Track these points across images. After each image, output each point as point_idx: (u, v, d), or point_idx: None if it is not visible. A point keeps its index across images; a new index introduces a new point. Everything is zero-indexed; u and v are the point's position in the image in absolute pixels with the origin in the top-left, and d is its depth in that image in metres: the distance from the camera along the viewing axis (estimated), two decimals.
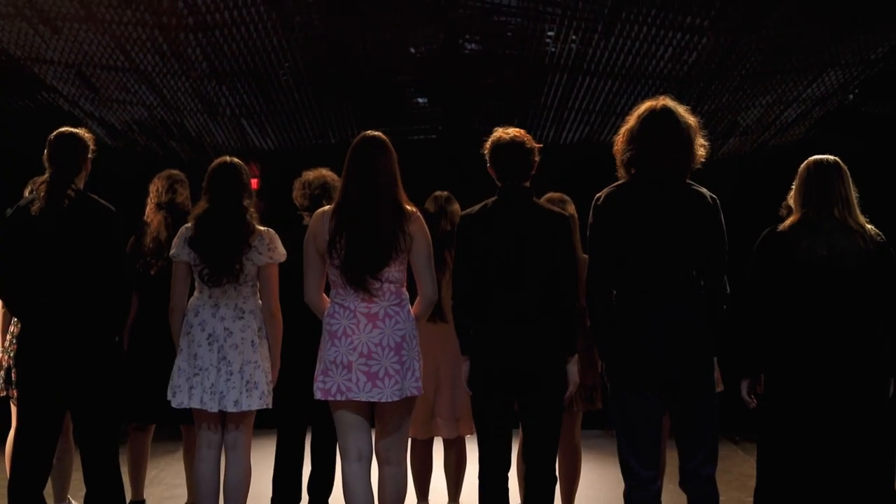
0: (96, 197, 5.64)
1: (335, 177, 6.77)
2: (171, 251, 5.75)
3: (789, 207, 5.54)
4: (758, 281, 5.30)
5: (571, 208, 6.48)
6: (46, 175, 5.63)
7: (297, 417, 6.62)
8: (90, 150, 5.76)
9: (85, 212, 5.53)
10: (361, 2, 9.25)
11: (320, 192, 6.70)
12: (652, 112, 4.94)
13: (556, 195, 6.58)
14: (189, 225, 5.72)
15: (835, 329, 5.11)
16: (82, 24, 9.28)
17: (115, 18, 9.18)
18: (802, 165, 5.40)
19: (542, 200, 5.69)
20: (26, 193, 6.62)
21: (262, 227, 5.74)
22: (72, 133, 5.70)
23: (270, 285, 5.72)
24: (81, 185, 5.67)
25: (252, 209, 5.75)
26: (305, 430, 6.70)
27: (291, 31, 9.60)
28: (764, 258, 5.28)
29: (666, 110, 4.93)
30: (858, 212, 5.28)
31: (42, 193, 5.52)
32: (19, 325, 6.45)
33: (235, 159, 5.87)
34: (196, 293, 5.75)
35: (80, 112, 11.09)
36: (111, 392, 5.63)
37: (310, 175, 6.80)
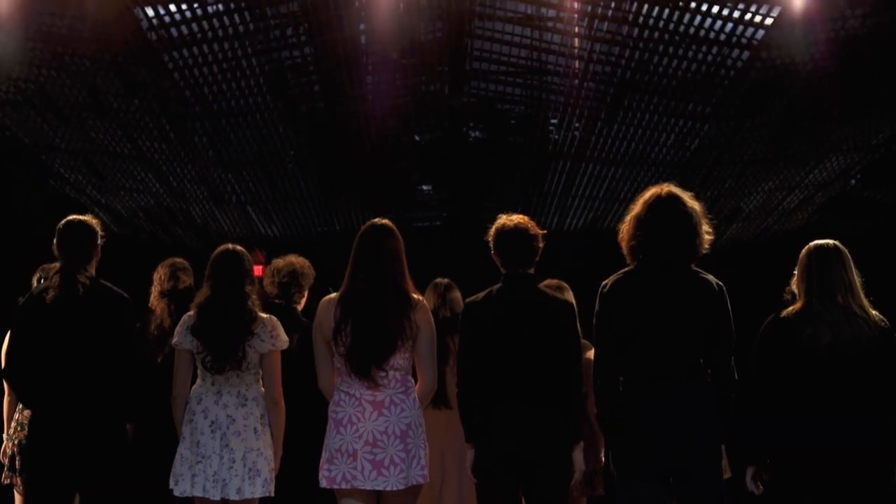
0: (109, 284, 5.67)
1: (304, 263, 6.80)
2: (174, 339, 5.74)
3: (793, 293, 5.53)
4: (762, 368, 5.27)
5: (569, 295, 6.48)
6: (58, 263, 5.67)
7: None
8: (99, 237, 5.80)
9: (100, 299, 5.56)
10: (367, 90, 9.36)
11: (288, 280, 6.73)
12: (657, 198, 4.96)
13: (554, 282, 6.59)
14: (191, 313, 5.72)
15: (840, 416, 5.07)
16: (90, 112, 9.39)
17: (122, 106, 9.29)
18: (803, 251, 5.39)
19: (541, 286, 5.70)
20: (34, 281, 6.65)
21: (264, 315, 5.74)
22: (81, 221, 5.74)
23: (273, 372, 5.70)
24: (93, 272, 5.71)
25: (254, 296, 5.76)
26: None
27: (297, 119, 9.69)
28: (768, 345, 5.26)
29: (671, 196, 4.95)
30: (862, 296, 5.26)
31: (56, 282, 5.56)
32: (24, 413, 6.45)
33: (238, 247, 5.88)
34: (199, 380, 5.74)
35: (87, 199, 11.15)
36: (121, 478, 5.62)
37: (279, 263, 6.83)
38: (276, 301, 6.68)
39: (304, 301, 6.83)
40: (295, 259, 6.82)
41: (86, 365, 5.48)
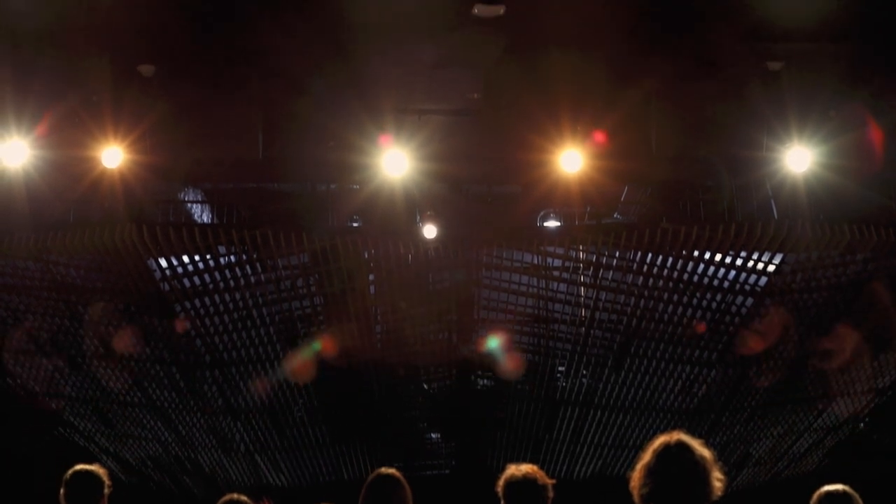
0: None
1: None
2: None
3: None
4: None
5: None
6: None
7: None
8: (106, 487, 5.77)
9: None
10: (375, 339, 9.46)
11: None
12: (667, 447, 4.93)
13: None
14: None
15: None
16: (101, 361, 9.47)
17: (133, 355, 9.37)
18: (814, 498, 5.33)
19: None
20: None
21: None
22: (87, 471, 5.72)
23: None
24: None
25: None
26: None
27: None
28: None
29: (681, 445, 4.92)
30: None
31: None
32: None
33: (242, 497, 5.84)
34: None
35: (95, 447, 11.12)
36: None
37: None
38: None
39: None
40: None
41: None
